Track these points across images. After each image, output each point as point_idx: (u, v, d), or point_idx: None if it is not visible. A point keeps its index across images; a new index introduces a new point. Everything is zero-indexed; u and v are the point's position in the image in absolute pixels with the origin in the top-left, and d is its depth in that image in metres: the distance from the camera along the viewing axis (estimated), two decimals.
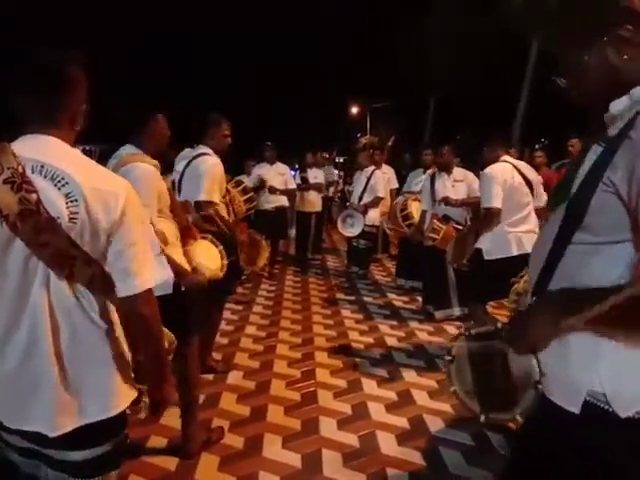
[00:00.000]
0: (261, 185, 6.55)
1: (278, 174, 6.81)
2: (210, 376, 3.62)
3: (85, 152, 1.47)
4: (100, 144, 10.47)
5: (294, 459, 2.68)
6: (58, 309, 1.25)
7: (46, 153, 1.26)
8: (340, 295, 6.04)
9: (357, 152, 7.30)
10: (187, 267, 2.46)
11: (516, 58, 14.20)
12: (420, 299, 5.51)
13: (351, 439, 2.87)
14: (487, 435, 2.87)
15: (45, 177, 1.23)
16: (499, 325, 1.35)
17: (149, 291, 1.33)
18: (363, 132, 21.69)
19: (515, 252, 3.63)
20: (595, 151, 1.11)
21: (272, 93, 24.68)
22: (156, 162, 2.40)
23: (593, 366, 1.08)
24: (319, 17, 23.12)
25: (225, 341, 4.37)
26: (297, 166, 8.36)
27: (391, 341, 4.47)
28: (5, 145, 1.25)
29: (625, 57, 1.09)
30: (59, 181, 1.23)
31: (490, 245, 3.75)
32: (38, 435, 1.25)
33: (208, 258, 2.77)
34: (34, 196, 1.20)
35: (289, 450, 2.76)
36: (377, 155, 6.96)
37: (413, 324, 4.94)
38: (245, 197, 3.97)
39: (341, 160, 17.79)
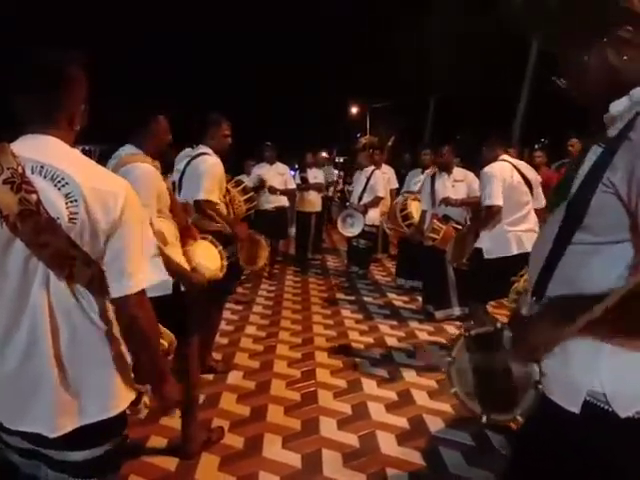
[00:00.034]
0: (261, 185, 6.55)
1: (278, 174, 6.81)
2: (210, 376, 3.62)
3: (85, 152, 1.47)
4: (100, 144, 10.49)
5: (294, 459, 2.68)
6: (58, 310, 1.25)
7: (46, 153, 1.26)
8: (340, 295, 6.04)
9: (357, 152, 7.29)
10: (187, 267, 2.46)
11: (516, 58, 14.21)
12: (420, 299, 5.51)
13: (351, 439, 2.87)
14: (487, 435, 2.87)
15: (45, 177, 1.23)
16: (499, 325, 1.35)
17: (142, 292, 1.31)
18: (363, 132, 21.72)
19: (515, 251, 3.63)
20: (595, 152, 1.11)
21: (272, 93, 24.70)
22: (157, 163, 2.40)
23: (593, 366, 1.08)
24: (319, 17, 23.14)
25: (225, 341, 4.37)
26: (297, 166, 8.36)
27: (391, 341, 4.47)
28: (5, 145, 1.25)
29: (625, 58, 1.09)
30: (59, 181, 1.23)
31: (490, 244, 3.76)
32: (38, 436, 1.25)
33: (208, 258, 2.78)
34: (34, 196, 1.20)
35: (289, 450, 2.76)
36: (377, 155, 6.96)
37: (413, 324, 4.94)
38: (245, 197, 3.96)
39: (341, 160, 17.81)
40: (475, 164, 4.46)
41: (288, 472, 2.57)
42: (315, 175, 7.63)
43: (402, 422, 3.06)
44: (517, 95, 14.90)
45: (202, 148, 3.49)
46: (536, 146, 8.92)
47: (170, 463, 2.61)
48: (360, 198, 6.40)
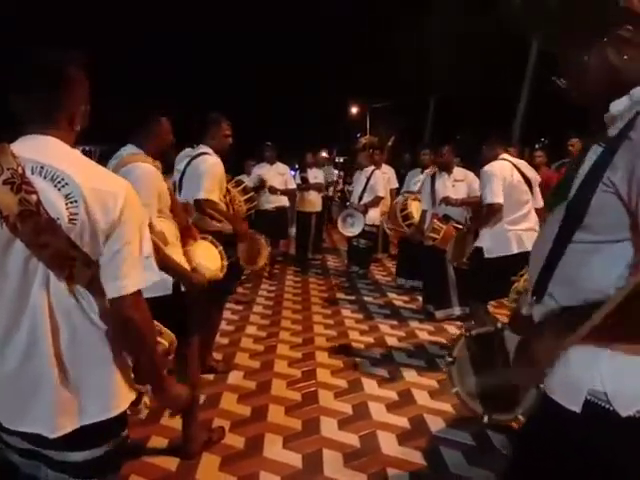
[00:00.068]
0: (261, 185, 6.56)
1: (278, 174, 6.81)
2: (210, 376, 3.62)
3: (85, 152, 1.47)
4: (100, 144, 10.47)
5: (295, 459, 2.68)
6: (58, 310, 1.25)
7: (46, 154, 1.26)
8: (340, 295, 6.04)
9: (357, 152, 7.30)
10: (187, 267, 2.46)
11: (516, 58, 14.21)
12: (420, 299, 5.51)
13: (352, 439, 2.87)
14: (488, 435, 2.86)
15: (45, 178, 1.23)
16: (499, 325, 1.35)
17: (138, 293, 1.30)
18: (363, 132, 21.72)
19: (515, 250, 3.63)
20: (595, 151, 1.11)
21: (272, 93, 24.69)
22: (157, 163, 2.40)
23: (594, 365, 1.08)
24: (319, 17, 23.14)
25: (225, 341, 4.37)
26: (297, 166, 8.37)
27: (391, 341, 4.47)
28: (5, 146, 1.24)
29: (625, 57, 1.09)
30: (59, 182, 1.23)
31: (490, 243, 3.75)
32: (38, 436, 1.25)
33: (208, 258, 2.78)
34: (34, 197, 1.20)
35: (290, 450, 2.76)
36: (377, 155, 6.96)
37: (413, 324, 4.94)
38: (245, 197, 3.96)
39: (341, 160, 17.81)
40: (475, 164, 4.47)
41: (289, 472, 2.57)
42: (315, 175, 7.63)
43: (403, 422, 3.06)
44: (517, 95, 14.90)
45: (202, 148, 3.49)
46: (536, 146, 8.93)
47: (171, 463, 2.61)
48: (360, 198, 6.41)
